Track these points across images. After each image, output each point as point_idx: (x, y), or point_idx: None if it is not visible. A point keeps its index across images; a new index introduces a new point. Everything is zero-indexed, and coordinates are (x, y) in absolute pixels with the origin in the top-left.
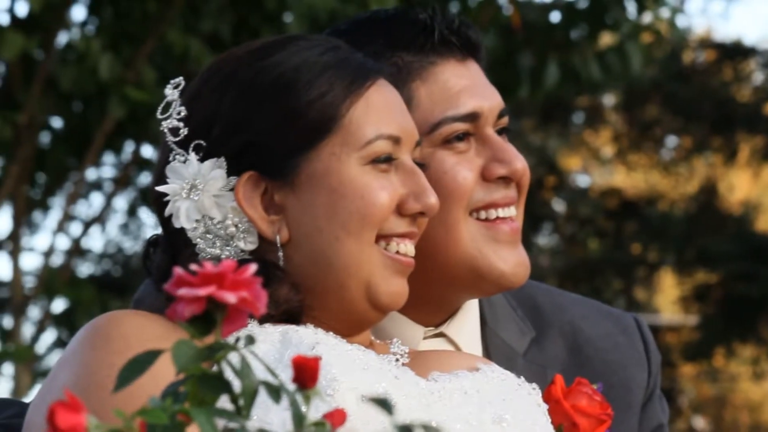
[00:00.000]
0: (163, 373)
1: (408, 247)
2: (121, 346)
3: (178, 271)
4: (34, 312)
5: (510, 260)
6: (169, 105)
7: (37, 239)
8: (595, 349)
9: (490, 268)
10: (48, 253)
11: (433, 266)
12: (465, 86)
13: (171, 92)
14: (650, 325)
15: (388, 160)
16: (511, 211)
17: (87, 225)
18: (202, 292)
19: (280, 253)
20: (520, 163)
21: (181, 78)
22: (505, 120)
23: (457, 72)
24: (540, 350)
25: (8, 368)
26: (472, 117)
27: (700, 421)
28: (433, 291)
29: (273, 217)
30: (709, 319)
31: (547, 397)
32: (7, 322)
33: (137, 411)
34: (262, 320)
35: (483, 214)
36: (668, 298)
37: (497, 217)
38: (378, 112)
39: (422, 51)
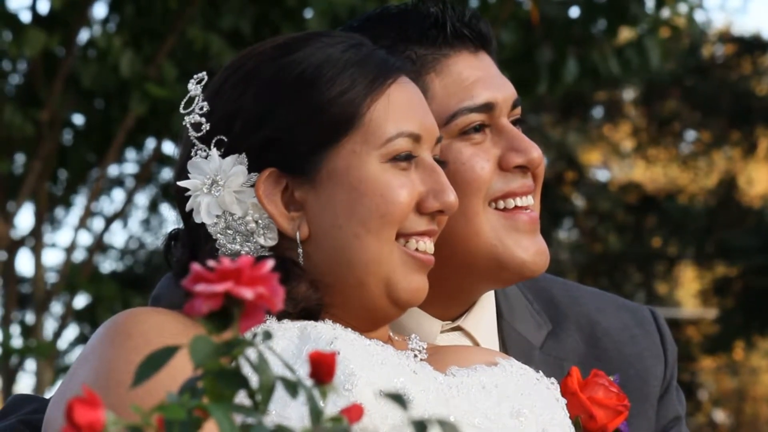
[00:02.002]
0: (181, 369)
1: (427, 245)
2: (140, 343)
3: (195, 267)
4: (56, 308)
5: (530, 249)
6: (192, 100)
7: (60, 235)
8: (612, 342)
9: (511, 257)
10: (70, 249)
11: (453, 257)
12: (479, 77)
13: (194, 87)
14: (670, 319)
15: (408, 158)
16: (528, 200)
17: (109, 221)
18: (220, 288)
19: (300, 250)
20: (536, 152)
21: (204, 73)
22: (519, 110)
23: (470, 63)
24: (557, 343)
25: (30, 364)
26: (487, 107)
27: (720, 415)
28: (452, 282)
29: (293, 214)
30: (729, 312)
31: (563, 390)
32: (30, 317)
33: (155, 407)
34: (281, 316)
35: (501, 204)
36: (688, 292)
37: (515, 206)
38: (399, 109)
39: (435, 44)
